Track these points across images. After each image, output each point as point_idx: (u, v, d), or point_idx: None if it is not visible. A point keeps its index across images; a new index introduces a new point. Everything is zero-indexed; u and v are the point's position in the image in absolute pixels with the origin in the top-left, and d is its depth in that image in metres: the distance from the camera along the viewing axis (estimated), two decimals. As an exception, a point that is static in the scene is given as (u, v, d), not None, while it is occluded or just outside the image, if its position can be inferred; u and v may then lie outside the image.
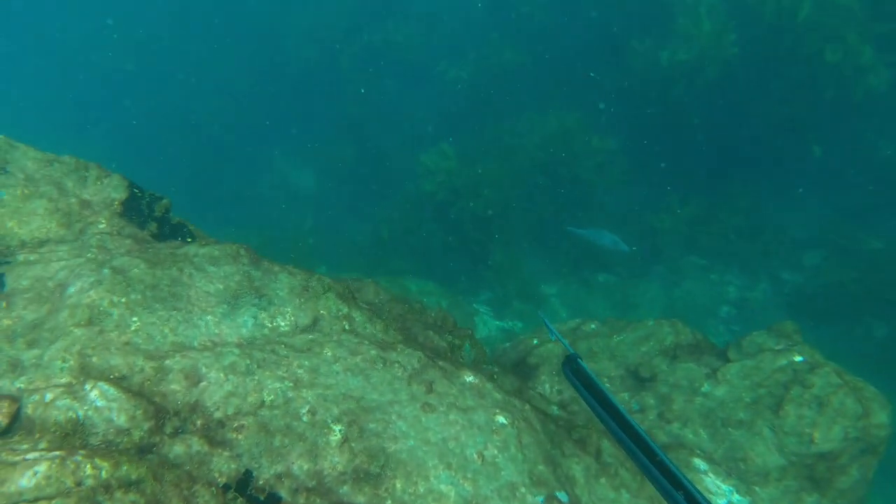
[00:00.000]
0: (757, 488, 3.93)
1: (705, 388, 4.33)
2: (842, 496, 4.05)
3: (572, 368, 2.46)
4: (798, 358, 4.21)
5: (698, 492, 2.09)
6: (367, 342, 3.40)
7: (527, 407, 3.60)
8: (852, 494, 4.09)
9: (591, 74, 11.88)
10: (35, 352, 2.70)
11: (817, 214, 11.73)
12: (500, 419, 3.30)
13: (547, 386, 4.84)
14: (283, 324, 3.30)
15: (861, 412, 3.92)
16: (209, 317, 3.10)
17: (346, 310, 3.58)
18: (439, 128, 14.77)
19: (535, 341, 5.18)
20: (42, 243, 3.35)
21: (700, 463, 4.00)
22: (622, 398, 4.62)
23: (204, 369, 2.75)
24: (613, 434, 2.17)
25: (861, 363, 8.94)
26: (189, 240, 4.07)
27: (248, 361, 2.89)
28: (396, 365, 3.30)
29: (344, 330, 3.46)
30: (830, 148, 11.45)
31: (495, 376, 4.49)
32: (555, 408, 4.46)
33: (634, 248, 6.91)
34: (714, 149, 11.69)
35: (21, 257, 3.21)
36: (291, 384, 2.91)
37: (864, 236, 11.09)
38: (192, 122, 17.32)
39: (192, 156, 16.22)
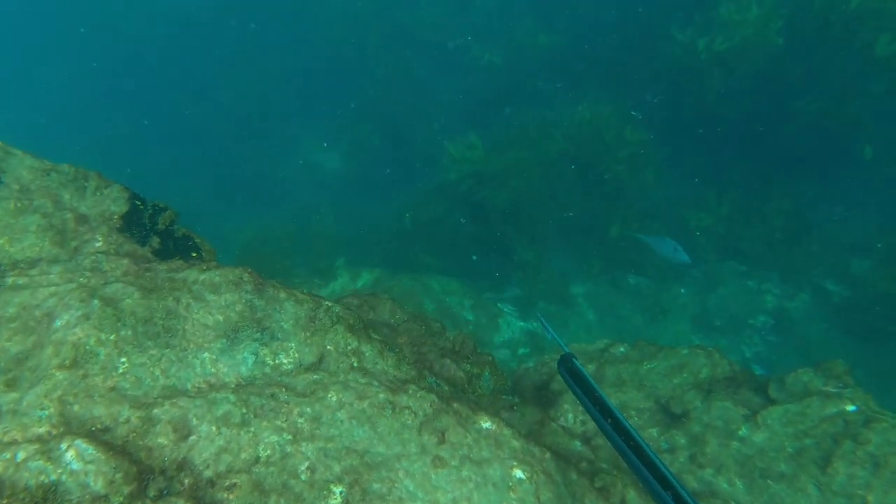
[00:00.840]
0: (797, 549, 3.60)
1: (743, 431, 3.98)
2: (890, 559, 3.70)
3: (567, 368, 2.54)
4: (850, 407, 3.83)
5: (686, 492, 2.08)
6: (376, 383, 3.14)
7: (547, 456, 3.30)
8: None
9: (633, 113, 11.31)
10: (14, 395, 2.50)
11: (867, 220, 11.09)
12: (518, 473, 3.01)
13: (570, 416, 4.54)
14: (285, 361, 3.06)
15: (920, 474, 3.54)
16: (206, 354, 2.86)
17: (355, 344, 3.32)
18: (468, 113, 14.37)
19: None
20: (34, 263, 3.14)
21: (735, 517, 3.68)
22: (650, 435, 4.31)
23: (195, 421, 2.51)
24: (604, 432, 2.30)
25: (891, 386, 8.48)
26: (194, 254, 3.84)
27: (244, 410, 2.65)
28: (407, 412, 3.03)
29: (352, 368, 3.20)
30: (883, 147, 10.77)
31: (515, 408, 4.21)
32: (577, 443, 4.17)
33: (691, 261, 6.48)
34: (755, 145, 11.09)
35: (10, 280, 3.01)
36: (290, 436, 2.66)
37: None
38: (220, 103, 17.19)
39: (218, 137, 16.11)
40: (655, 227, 10.30)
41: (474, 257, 10.62)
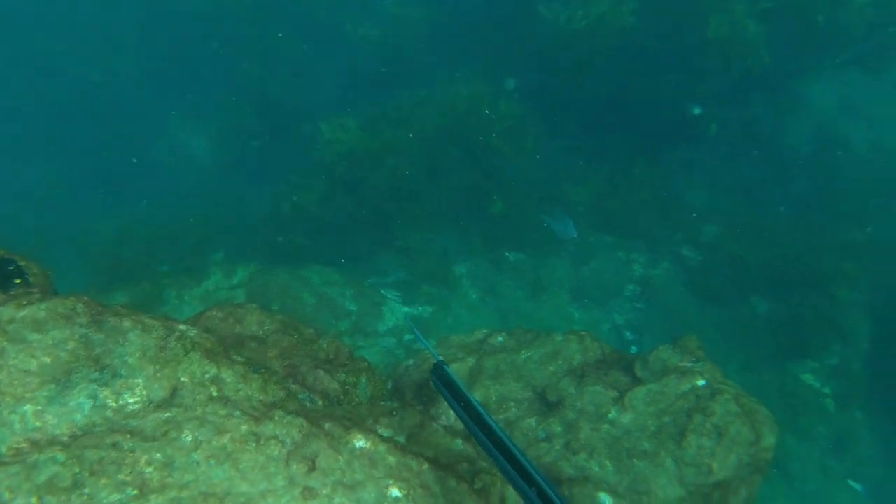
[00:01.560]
0: (660, 520, 3.86)
1: (612, 414, 4.18)
2: (737, 516, 4.07)
3: (439, 376, 2.64)
4: (701, 382, 4.13)
5: (550, 488, 2.24)
6: (238, 413, 2.92)
7: (424, 467, 3.26)
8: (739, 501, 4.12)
9: (507, 87, 11.45)
10: None
11: (716, 189, 12.09)
12: (394, 492, 2.95)
13: (452, 413, 4.54)
14: (132, 401, 2.76)
15: (754, 438, 3.91)
16: (28, 406, 2.50)
17: (214, 370, 3.07)
18: (344, 90, 13.94)
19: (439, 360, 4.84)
20: None
21: (605, 498, 3.87)
22: (529, 425, 4.41)
23: (7, 496, 2.19)
24: (474, 436, 2.47)
25: (745, 338, 9.41)
26: (18, 281, 3.37)
27: (77, 469, 2.35)
28: (273, 442, 2.85)
29: (211, 398, 2.95)
30: (724, 122, 11.74)
31: (395, 413, 4.13)
32: (459, 441, 4.18)
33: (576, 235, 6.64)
34: (620, 120, 11.66)
35: None
36: (136, 491, 2.40)
37: (757, 210, 11.57)
38: (73, 79, 15.44)
39: (77, 120, 14.49)
40: (548, 204, 10.62)
41: (356, 243, 10.41)
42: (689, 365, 4.42)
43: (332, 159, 10.38)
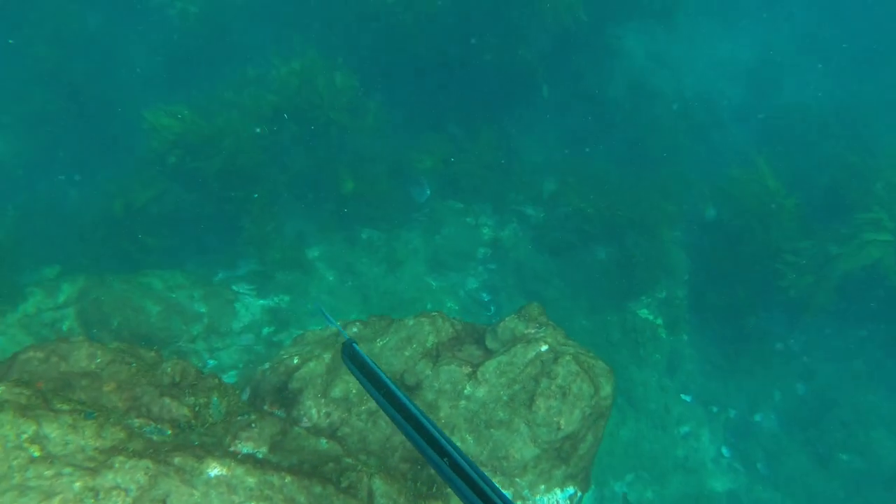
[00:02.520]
0: (517, 479, 4.18)
1: (467, 390, 4.40)
2: (582, 459, 4.52)
3: (349, 354, 2.69)
4: (543, 347, 4.47)
5: (462, 456, 2.33)
6: (68, 469, 2.69)
7: (287, 480, 3.25)
8: (589, 453, 4.58)
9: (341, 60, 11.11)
10: None
11: (550, 146, 12.84)
12: (256, 515, 2.91)
13: (314, 411, 4.53)
14: (-69, 484, 2.44)
15: (593, 391, 4.33)
16: None
17: (32, 428, 2.79)
18: (167, 72, 12.79)
19: (294, 360, 4.78)
20: None
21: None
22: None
23: None
24: (384, 410, 2.50)
25: (589, 285, 10.27)
26: None
27: None
28: (115, 493, 2.67)
29: (31, 461, 2.69)
30: (552, 81, 12.40)
31: (253, 425, 4.04)
32: (323, 441, 4.19)
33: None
34: (457, 86, 11.90)
35: None
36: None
37: (588, 163, 12.48)
38: None
39: None
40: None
41: (200, 237, 9.80)
42: (533, 331, 4.74)
43: (161, 148, 9.57)
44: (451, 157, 11.45)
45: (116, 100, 12.27)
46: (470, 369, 4.53)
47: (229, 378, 7.63)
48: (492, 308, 10.48)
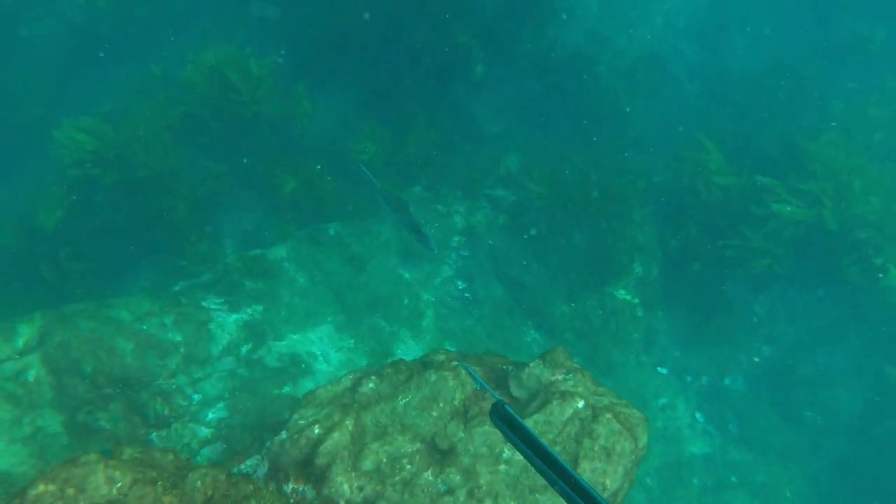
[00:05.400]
0: (567, 540, 4.14)
1: (506, 453, 4.28)
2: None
3: (500, 415, 2.53)
4: (580, 404, 4.37)
5: None
6: None
7: None
8: (623, 499, 4.60)
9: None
10: None
11: (509, 118, 12.49)
12: None
13: (345, 487, 4.31)
14: None
15: (634, 446, 4.30)
16: None
17: None
18: (68, 76, 11.37)
19: (315, 430, 4.51)
20: None
21: (518, 540, 4.03)
22: (427, 479, 4.36)
23: None
24: (542, 474, 2.32)
25: (567, 269, 10.26)
26: None
27: None
28: None
29: None
30: (496, 55, 11.84)
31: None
32: (364, 527, 4.02)
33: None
34: (395, 67, 11.24)
35: None
36: None
37: (549, 135, 12.26)
38: None
39: None
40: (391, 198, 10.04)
41: (147, 255, 9.09)
42: (560, 378, 4.63)
43: (68, 163, 8.57)
44: (397, 143, 10.85)
45: (14, 107, 10.87)
46: (504, 429, 4.39)
47: (218, 412, 7.25)
48: (467, 295, 10.36)
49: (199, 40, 9.89)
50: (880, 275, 9.55)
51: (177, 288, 8.86)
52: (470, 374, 2.70)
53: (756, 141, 11.27)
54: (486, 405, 4.69)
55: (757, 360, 10.72)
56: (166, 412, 6.76)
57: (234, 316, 8.66)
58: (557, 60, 13.21)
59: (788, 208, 9.78)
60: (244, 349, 8.31)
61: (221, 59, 9.48)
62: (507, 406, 2.50)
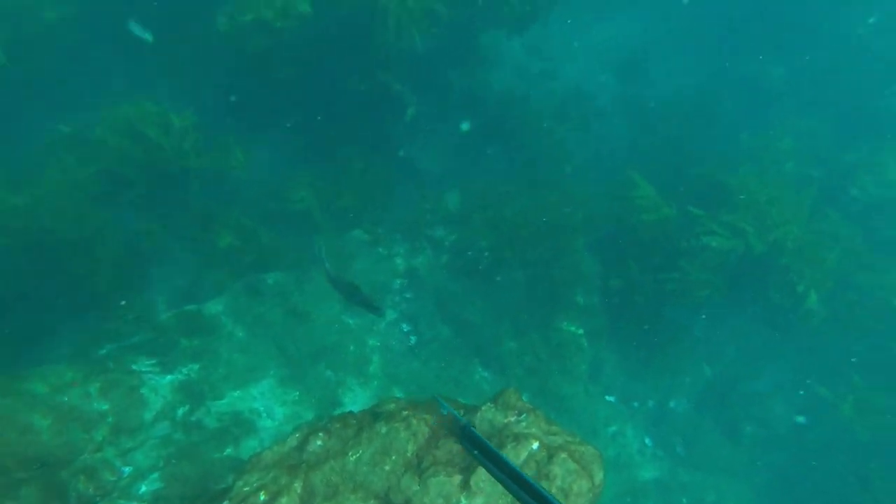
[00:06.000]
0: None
1: (463, 502, 4.14)
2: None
3: (468, 438, 2.92)
4: (534, 445, 4.30)
5: None
6: None
7: None
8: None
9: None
10: None
11: (444, 158, 12.64)
12: None
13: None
14: None
15: (591, 484, 4.26)
16: None
17: None
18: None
19: (261, 497, 4.24)
20: None
21: None
22: (383, 539, 4.16)
23: None
24: (511, 493, 2.49)
25: (510, 305, 10.27)
26: None
27: None
28: None
29: None
30: (427, 97, 11.99)
31: None
32: None
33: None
34: (331, 110, 11.23)
35: None
36: None
37: (484, 171, 12.45)
38: None
39: None
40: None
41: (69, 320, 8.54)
42: (513, 420, 4.56)
43: None
44: (335, 190, 10.72)
45: None
46: (460, 477, 4.26)
47: (152, 483, 6.76)
48: (413, 338, 10.23)
49: (117, 95, 9.50)
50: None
51: (103, 352, 8.37)
52: (438, 402, 2.78)
53: (685, 172, 11.81)
54: (441, 454, 4.56)
55: (699, 379, 11.01)
56: (91, 491, 6.24)
57: (169, 377, 8.20)
58: (488, 100, 13.54)
59: (718, 240, 10.19)
60: (180, 412, 7.85)
61: (138, 115, 9.11)
62: (472, 429, 2.73)
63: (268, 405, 8.76)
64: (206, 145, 9.86)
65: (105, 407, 7.09)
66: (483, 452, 2.62)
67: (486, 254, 10.38)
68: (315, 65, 10.59)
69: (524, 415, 4.63)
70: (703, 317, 11.17)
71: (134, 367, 8.04)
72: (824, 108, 15.21)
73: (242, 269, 9.80)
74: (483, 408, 4.74)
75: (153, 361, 8.32)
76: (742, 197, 10.51)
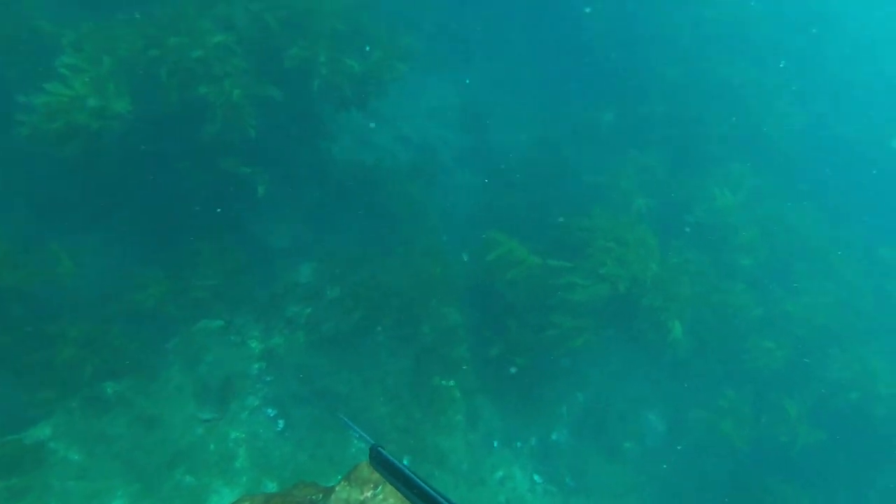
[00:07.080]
0: None
1: None
2: None
3: (377, 458, 2.62)
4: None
5: None
6: None
7: None
8: None
9: None
10: None
11: (294, 235, 12.28)
12: None
13: None
14: None
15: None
16: None
17: None
18: None
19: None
20: None
21: None
22: None
23: None
24: None
25: (381, 371, 10.02)
26: None
27: None
28: None
29: None
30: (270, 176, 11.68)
31: None
32: None
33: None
34: (173, 201, 10.60)
35: None
36: None
37: (339, 242, 12.22)
38: None
39: None
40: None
41: None
42: (370, 494, 4.30)
43: None
44: (184, 279, 10.01)
45: None
46: (316, 572, 3.90)
47: None
48: (280, 423, 9.61)
49: None
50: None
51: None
52: (346, 423, 2.98)
53: (543, 222, 12.27)
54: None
55: (574, 407, 11.29)
56: None
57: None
58: (335, 170, 13.48)
59: (580, 292, 10.48)
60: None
61: None
62: (381, 449, 2.61)
63: (120, 531, 7.75)
64: (19, 257, 8.81)
65: None
66: (392, 473, 2.54)
67: (345, 323, 10.11)
68: (149, 160, 9.94)
69: (381, 486, 4.37)
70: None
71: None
72: (657, 146, 16.26)
73: (75, 383, 8.73)
74: (337, 488, 4.43)
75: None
76: (600, 242, 10.90)
